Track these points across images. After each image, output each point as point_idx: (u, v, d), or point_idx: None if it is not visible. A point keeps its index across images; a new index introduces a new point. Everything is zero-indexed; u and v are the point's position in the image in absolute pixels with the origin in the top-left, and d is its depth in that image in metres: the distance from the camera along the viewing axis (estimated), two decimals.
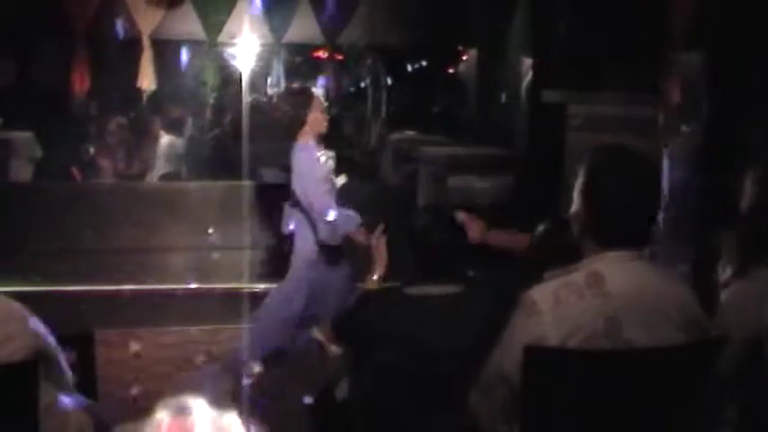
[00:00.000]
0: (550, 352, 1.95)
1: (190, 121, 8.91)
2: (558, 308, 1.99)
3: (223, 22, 7.17)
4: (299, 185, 4.57)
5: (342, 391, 2.94)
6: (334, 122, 5.21)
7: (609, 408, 1.97)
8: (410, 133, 9.02)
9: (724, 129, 4.20)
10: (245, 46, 8.10)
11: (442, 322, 2.69)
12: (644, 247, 2.12)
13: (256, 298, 6.32)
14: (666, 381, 1.98)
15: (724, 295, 2.29)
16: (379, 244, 3.29)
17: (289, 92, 5.57)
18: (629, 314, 2.00)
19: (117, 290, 6.34)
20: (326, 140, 4.77)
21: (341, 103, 9.22)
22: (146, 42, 7.15)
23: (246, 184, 7.36)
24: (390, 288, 3.01)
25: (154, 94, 8.45)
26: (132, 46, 7.24)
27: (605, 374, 1.96)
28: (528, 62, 7.40)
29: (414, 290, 2.79)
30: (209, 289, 6.55)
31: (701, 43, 4.57)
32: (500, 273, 2.97)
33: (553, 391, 1.96)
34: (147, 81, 7.33)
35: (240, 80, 8.23)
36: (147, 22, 7.08)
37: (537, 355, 1.93)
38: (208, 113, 8.87)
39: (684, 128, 4.53)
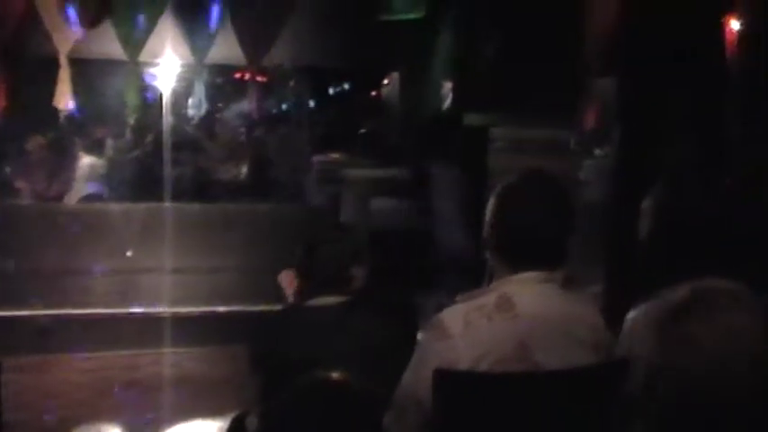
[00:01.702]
0: (460, 375, 1.96)
1: (110, 141, 8.78)
2: (468, 331, 2.00)
3: (143, 42, 7.08)
4: None
5: (252, 423, 2.92)
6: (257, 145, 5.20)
7: (520, 430, 1.99)
8: (333, 155, 9.02)
9: (635, 153, 4.30)
10: (167, 66, 8.02)
11: (336, 332, 2.72)
12: (555, 268, 2.14)
13: (177, 322, 6.25)
14: (575, 403, 2.01)
15: (630, 316, 2.33)
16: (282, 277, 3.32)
17: None
18: (538, 337, 2.02)
19: (32, 315, 6.19)
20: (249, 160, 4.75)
21: (264, 124, 9.19)
22: (63, 61, 7.01)
23: (168, 205, 7.27)
24: (287, 308, 3.07)
25: (73, 114, 8.31)
26: (50, 65, 7.11)
27: (515, 397, 1.98)
28: (449, 85, 7.48)
29: (312, 302, 2.85)
30: (128, 313, 6.44)
31: (615, 69, 4.68)
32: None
33: (464, 414, 1.97)
34: (64, 100, 7.18)
35: (161, 100, 8.14)
36: (65, 40, 6.95)
37: (447, 379, 1.95)
38: (128, 134, 8.75)
39: (598, 151, 4.63)
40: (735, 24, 4.03)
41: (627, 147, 4.35)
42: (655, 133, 4.21)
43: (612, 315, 2.29)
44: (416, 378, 2.04)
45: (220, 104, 9.43)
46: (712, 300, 1.59)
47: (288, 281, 3.14)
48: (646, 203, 2.43)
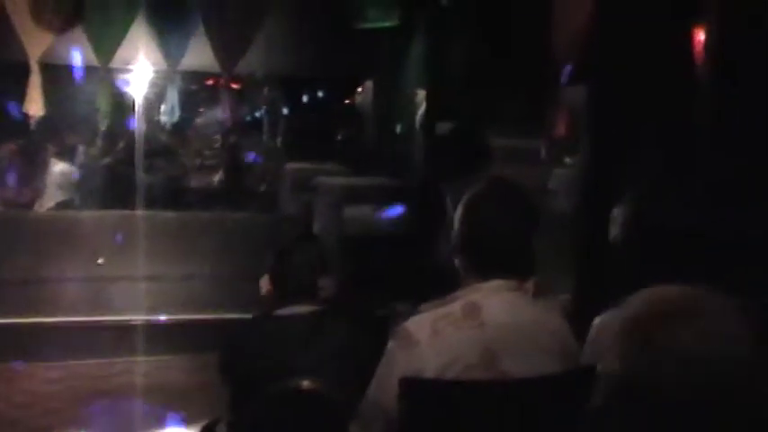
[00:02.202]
0: (426, 384, 1.96)
1: (81, 148, 8.72)
2: (434, 339, 2.00)
3: (116, 48, 7.03)
4: None
5: (222, 431, 2.92)
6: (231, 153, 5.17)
7: None
8: (307, 163, 9.03)
9: (604, 162, 4.33)
10: (139, 72, 7.98)
11: (306, 341, 2.72)
12: (522, 277, 2.15)
13: (149, 330, 6.22)
14: (541, 410, 2.02)
15: (595, 323, 2.34)
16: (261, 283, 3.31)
17: None
18: (505, 345, 2.03)
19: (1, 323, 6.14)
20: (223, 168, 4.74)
21: (237, 132, 9.17)
22: (34, 66, 6.95)
23: (140, 213, 7.24)
24: (257, 317, 3.06)
25: (44, 120, 8.24)
26: (20, 70, 7.05)
27: (481, 405, 1.98)
28: (422, 94, 7.51)
29: (283, 312, 2.85)
30: (99, 321, 6.40)
31: (586, 77, 4.71)
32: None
33: (430, 422, 1.98)
34: (34, 106, 7.12)
35: (134, 107, 8.10)
36: (36, 45, 6.90)
37: (413, 387, 1.95)
38: (100, 141, 8.70)
39: (568, 160, 4.66)
40: (702, 34, 4.08)
41: (596, 155, 4.38)
42: (623, 142, 4.24)
43: (581, 322, 2.30)
44: (382, 387, 2.04)
45: (197, 111, 9.39)
46: (686, 305, 1.61)
47: (267, 287, 3.14)
48: (616, 211, 2.45)
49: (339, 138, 10.41)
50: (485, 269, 2.09)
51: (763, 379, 1.55)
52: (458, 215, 2.14)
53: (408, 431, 1.99)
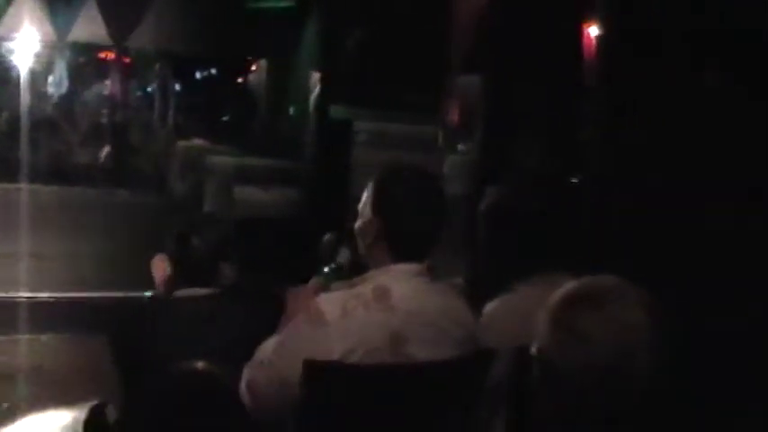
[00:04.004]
0: (330, 367, 1.98)
1: None
2: (344, 319, 2.02)
3: (1, 16, 6.78)
4: None
5: (112, 413, 2.86)
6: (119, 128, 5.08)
7: (385, 423, 2.03)
8: (198, 142, 8.90)
9: (495, 148, 4.44)
10: (26, 42, 7.71)
11: (202, 323, 2.70)
12: (425, 260, 2.19)
13: (30, 308, 6.05)
14: (440, 395, 2.07)
15: (488, 308, 2.41)
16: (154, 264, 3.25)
17: None
18: (412, 329, 2.06)
19: None
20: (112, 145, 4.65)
21: (127, 108, 8.98)
22: None
23: (24, 186, 7.02)
24: (154, 298, 3.02)
25: None
26: None
27: (382, 389, 2.02)
28: (317, 76, 7.51)
29: (181, 293, 2.82)
30: None
31: (479, 67, 4.81)
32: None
33: (332, 406, 2.00)
34: None
35: (18, 78, 7.83)
36: None
37: (317, 370, 1.97)
38: None
39: (461, 146, 4.76)
40: (593, 30, 4.21)
41: (486, 143, 4.49)
42: (513, 131, 4.36)
43: (473, 306, 2.37)
44: (285, 359, 2.04)
45: (86, 84, 9.14)
46: (599, 293, 1.68)
47: (159, 267, 3.08)
48: (481, 205, 2.54)
49: (231, 117, 10.30)
50: (397, 251, 2.12)
51: (658, 366, 1.64)
52: (369, 197, 2.16)
53: (310, 413, 2.00)
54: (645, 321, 1.65)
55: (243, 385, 2.13)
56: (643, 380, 1.64)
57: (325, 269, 2.52)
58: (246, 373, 2.15)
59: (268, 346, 2.17)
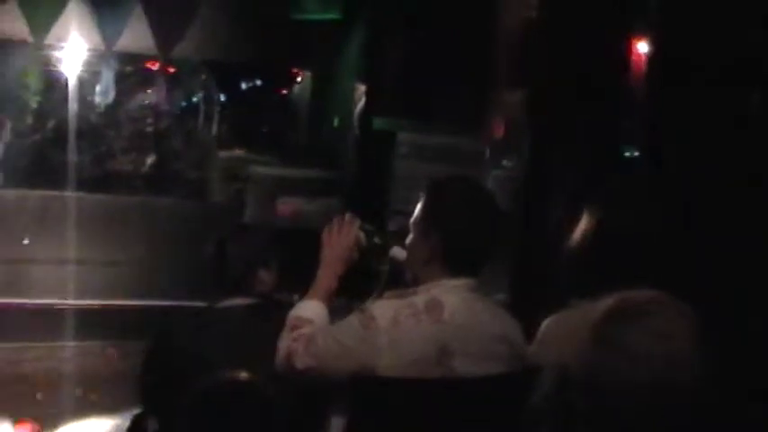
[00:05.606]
0: (378, 382, 1.98)
1: (9, 125, 8.49)
2: (395, 328, 2.04)
3: (51, 24, 6.86)
4: None
5: (153, 422, 2.86)
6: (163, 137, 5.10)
7: None
8: (240, 152, 8.95)
9: (542, 165, 4.40)
10: (74, 50, 7.80)
11: (241, 334, 2.70)
12: (478, 276, 2.18)
13: (74, 314, 6.10)
14: (485, 411, 2.05)
15: (545, 324, 2.38)
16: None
17: None
18: (460, 344, 2.07)
19: None
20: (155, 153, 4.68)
21: (171, 117, 9.05)
22: None
23: (69, 194, 7.08)
24: (197, 308, 3.03)
25: None
26: None
27: (428, 403, 2.01)
28: (362, 88, 7.51)
29: (221, 303, 2.83)
30: (18, 304, 6.24)
31: (525, 83, 4.78)
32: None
33: (380, 418, 2.00)
34: None
35: (66, 85, 7.92)
36: None
37: (365, 384, 1.97)
38: (29, 119, 8.48)
39: (506, 162, 4.73)
40: (642, 47, 4.17)
41: (536, 159, 4.45)
42: (563, 147, 4.32)
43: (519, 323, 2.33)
44: (329, 345, 2.04)
45: (132, 93, 9.22)
46: (641, 306, 1.66)
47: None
48: (585, 218, 2.47)
49: (274, 128, 10.34)
50: (453, 266, 2.12)
51: (703, 379, 1.61)
52: (423, 211, 2.15)
53: (358, 425, 2.01)
54: (688, 333, 1.62)
55: (281, 354, 2.14)
56: (690, 394, 1.60)
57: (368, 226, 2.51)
58: (287, 341, 2.15)
59: (300, 311, 2.18)
